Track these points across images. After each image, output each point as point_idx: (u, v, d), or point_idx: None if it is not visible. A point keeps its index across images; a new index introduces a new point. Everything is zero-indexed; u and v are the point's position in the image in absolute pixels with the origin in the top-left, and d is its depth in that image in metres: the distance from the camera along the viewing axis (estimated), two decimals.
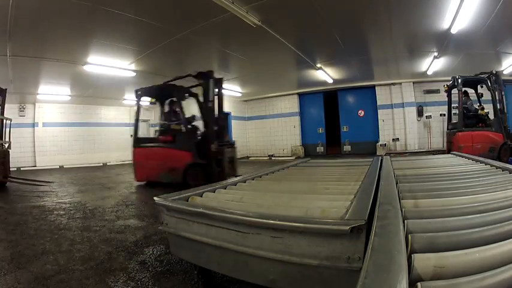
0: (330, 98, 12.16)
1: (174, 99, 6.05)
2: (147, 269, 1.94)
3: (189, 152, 5.39)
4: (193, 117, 5.94)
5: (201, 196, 1.79)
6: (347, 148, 11.93)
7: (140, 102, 6.43)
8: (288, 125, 12.94)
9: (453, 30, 5.80)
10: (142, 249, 2.30)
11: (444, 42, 6.67)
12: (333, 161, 3.73)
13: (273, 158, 12.41)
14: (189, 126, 5.71)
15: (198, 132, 5.80)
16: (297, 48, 7.00)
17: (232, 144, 5.96)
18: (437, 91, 10.55)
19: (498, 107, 6.54)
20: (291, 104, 12.82)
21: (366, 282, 0.58)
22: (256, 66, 8.46)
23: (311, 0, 4.67)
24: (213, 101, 5.56)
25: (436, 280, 0.67)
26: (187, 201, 1.66)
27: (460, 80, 6.70)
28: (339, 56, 7.88)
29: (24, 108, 10.25)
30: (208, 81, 5.49)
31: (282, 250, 1.12)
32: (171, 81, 5.92)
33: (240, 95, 12.55)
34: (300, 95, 12.66)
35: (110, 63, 7.24)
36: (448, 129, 7.56)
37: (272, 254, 1.13)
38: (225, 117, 6.06)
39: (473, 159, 2.90)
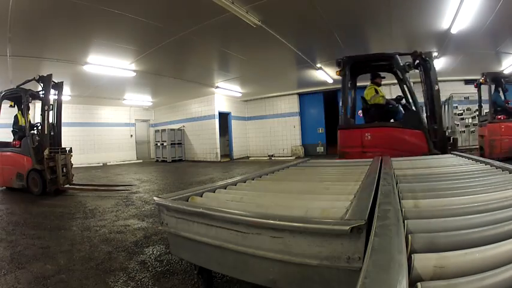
0: (330, 98, 12.14)
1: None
2: None
3: (29, 157, 5.28)
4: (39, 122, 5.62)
5: (201, 196, 1.79)
6: None
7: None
8: (288, 125, 12.93)
9: (453, 30, 5.80)
10: None
11: (444, 42, 6.68)
12: (333, 161, 3.72)
13: (273, 158, 12.41)
14: (32, 132, 5.57)
15: (37, 138, 5.56)
16: (297, 48, 7.00)
17: (65, 151, 5.68)
18: None
19: None
20: (291, 104, 12.81)
21: (366, 282, 0.58)
22: (256, 66, 8.45)
23: (311, 0, 4.68)
24: (49, 106, 5.43)
25: (436, 280, 0.67)
26: (187, 201, 1.66)
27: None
28: (339, 56, 7.85)
29: None
30: (48, 86, 5.33)
31: (282, 250, 1.11)
32: (22, 84, 5.73)
33: (240, 95, 12.55)
34: (300, 95, 12.66)
35: (110, 63, 7.24)
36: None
37: (272, 254, 1.13)
38: (59, 122, 5.82)
39: (473, 159, 2.88)
